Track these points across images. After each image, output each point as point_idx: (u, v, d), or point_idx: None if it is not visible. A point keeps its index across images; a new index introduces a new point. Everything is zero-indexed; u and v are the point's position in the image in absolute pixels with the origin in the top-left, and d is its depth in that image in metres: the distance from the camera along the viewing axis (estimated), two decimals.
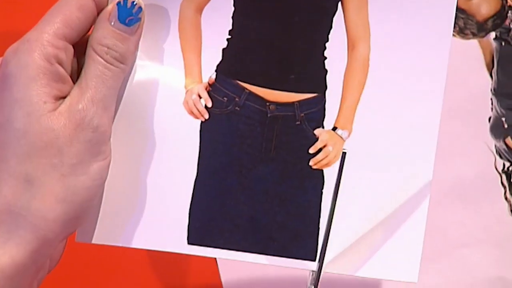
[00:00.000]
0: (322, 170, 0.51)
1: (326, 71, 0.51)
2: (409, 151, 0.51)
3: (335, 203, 0.51)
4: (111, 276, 0.70)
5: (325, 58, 0.51)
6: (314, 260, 0.51)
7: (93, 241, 0.51)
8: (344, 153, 0.51)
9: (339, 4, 0.51)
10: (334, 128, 0.51)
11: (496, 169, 0.73)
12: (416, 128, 0.51)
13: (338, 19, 0.51)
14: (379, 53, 0.51)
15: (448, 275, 0.72)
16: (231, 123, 0.51)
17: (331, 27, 0.51)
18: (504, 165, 0.73)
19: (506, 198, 0.73)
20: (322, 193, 0.51)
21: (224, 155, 0.51)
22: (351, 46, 0.51)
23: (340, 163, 0.51)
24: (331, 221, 0.51)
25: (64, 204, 0.46)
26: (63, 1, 0.47)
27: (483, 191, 0.73)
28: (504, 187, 0.73)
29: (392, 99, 0.51)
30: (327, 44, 0.51)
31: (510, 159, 0.73)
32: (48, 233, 0.45)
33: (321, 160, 0.51)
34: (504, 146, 0.73)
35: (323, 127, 0.51)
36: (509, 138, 0.73)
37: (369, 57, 0.51)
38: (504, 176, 0.73)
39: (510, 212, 0.73)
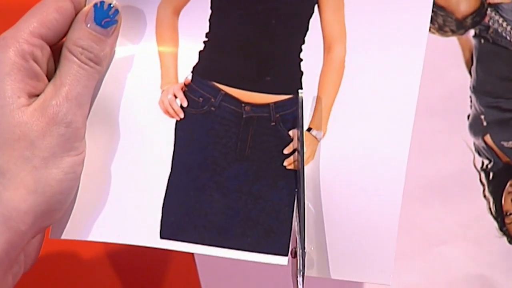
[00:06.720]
0: (296, 170, 0.51)
1: (302, 72, 0.51)
2: (383, 152, 0.51)
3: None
4: (92, 274, 0.70)
5: (301, 60, 0.51)
6: (286, 255, 0.51)
7: (65, 237, 0.51)
8: (300, 97, 0.51)
9: (316, 6, 0.51)
10: (309, 129, 0.51)
11: (475, 166, 0.73)
12: (390, 129, 0.51)
13: (314, 21, 0.51)
14: (355, 54, 0.51)
15: (426, 272, 0.72)
16: (206, 122, 0.52)
17: (307, 30, 0.51)
18: (483, 163, 0.73)
19: (485, 196, 0.73)
20: (295, 191, 0.51)
21: (198, 153, 0.52)
22: (327, 48, 0.51)
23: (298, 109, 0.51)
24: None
25: (36, 196, 0.46)
26: (41, 2, 0.48)
27: (462, 189, 0.73)
28: (483, 185, 0.73)
29: (367, 100, 0.51)
30: (303, 46, 0.51)
31: (489, 157, 0.73)
32: (20, 225, 0.46)
33: (295, 160, 0.51)
34: (483, 144, 0.73)
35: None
36: (488, 135, 0.73)
37: (344, 58, 0.51)
38: (483, 174, 0.73)
39: (488, 210, 0.73)
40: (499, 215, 0.73)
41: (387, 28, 0.51)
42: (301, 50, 0.51)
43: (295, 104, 0.51)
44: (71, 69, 0.47)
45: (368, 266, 0.51)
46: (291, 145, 0.51)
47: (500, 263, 0.72)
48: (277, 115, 0.52)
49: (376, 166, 0.51)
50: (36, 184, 0.46)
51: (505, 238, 0.73)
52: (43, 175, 0.46)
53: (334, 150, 0.51)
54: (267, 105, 0.52)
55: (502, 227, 0.73)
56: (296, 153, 0.51)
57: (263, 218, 0.51)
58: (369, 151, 0.51)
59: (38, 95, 0.47)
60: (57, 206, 0.48)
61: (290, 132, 0.52)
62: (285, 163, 0.51)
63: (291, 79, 0.51)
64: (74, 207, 0.50)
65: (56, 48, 0.49)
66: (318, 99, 0.51)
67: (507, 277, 0.72)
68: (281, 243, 0.51)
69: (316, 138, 0.51)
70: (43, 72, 0.48)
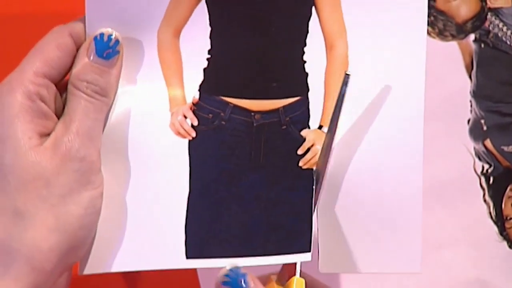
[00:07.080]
0: (311, 168, 0.52)
1: (307, 74, 0.52)
2: (397, 142, 0.52)
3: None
4: None
5: (305, 62, 0.52)
6: (309, 251, 0.52)
7: (89, 271, 0.50)
8: (347, 75, 0.51)
9: (313, 8, 0.52)
10: (320, 127, 0.52)
11: (475, 171, 0.73)
12: (401, 119, 0.52)
13: (313, 22, 0.52)
14: (357, 49, 0.52)
15: (426, 276, 0.72)
16: (218, 137, 0.52)
17: (307, 32, 0.52)
18: (483, 167, 0.73)
19: (485, 201, 0.73)
20: (313, 189, 0.52)
21: (214, 168, 0.52)
22: (329, 46, 0.52)
23: (342, 86, 0.51)
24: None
25: (57, 233, 0.46)
26: (42, 41, 0.48)
27: (462, 193, 0.73)
28: (483, 190, 0.73)
29: (374, 94, 0.52)
30: (305, 49, 0.52)
31: (489, 161, 0.73)
32: (44, 264, 0.45)
33: (310, 159, 0.52)
34: (483, 148, 0.73)
35: (309, 128, 0.52)
36: (488, 140, 0.73)
37: (347, 54, 0.52)
38: (483, 178, 0.73)
39: (489, 215, 0.73)
40: (499, 219, 0.73)
41: (386, 21, 0.51)
42: (303, 53, 0.52)
43: (304, 105, 0.52)
44: (79, 104, 0.47)
45: (397, 257, 0.52)
46: (304, 144, 0.52)
47: (500, 267, 0.72)
48: (287, 118, 0.52)
49: (392, 155, 0.52)
50: (56, 222, 0.46)
51: (505, 243, 0.73)
52: (62, 212, 0.46)
53: (347, 144, 0.52)
54: (276, 110, 0.52)
55: (502, 231, 0.73)
56: (309, 152, 0.52)
57: (284, 221, 0.52)
58: (383, 142, 0.52)
59: (49, 134, 0.47)
60: (80, 242, 0.48)
61: (302, 133, 0.52)
62: (300, 163, 0.52)
63: (297, 82, 0.52)
64: (96, 240, 0.50)
65: (61, 86, 0.49)
66: (326, 97, 0.52)
67: (507, 281, 0.72)
68: (303, 240, 0.52)
69: None
70: (51, 110, 0.48)
